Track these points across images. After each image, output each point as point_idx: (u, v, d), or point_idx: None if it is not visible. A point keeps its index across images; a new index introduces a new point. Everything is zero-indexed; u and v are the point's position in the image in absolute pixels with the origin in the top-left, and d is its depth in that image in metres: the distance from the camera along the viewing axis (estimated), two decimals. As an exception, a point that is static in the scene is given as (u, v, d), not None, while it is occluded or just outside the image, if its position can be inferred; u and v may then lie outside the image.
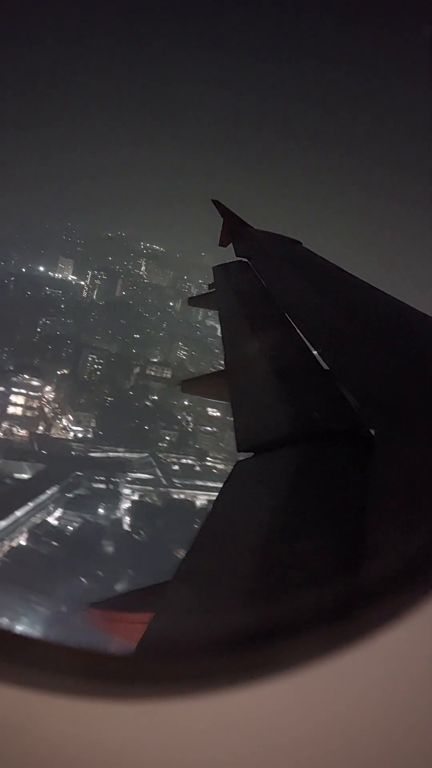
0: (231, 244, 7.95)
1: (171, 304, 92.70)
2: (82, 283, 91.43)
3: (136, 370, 75.67)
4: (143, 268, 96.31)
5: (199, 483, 61.44)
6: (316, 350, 3.62)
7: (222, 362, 4.57)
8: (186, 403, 71.08)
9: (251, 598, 1.65)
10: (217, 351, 79.29)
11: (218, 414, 69.28)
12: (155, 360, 79.27)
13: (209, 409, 70.95)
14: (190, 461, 66.35)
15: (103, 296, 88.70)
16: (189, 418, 71.02)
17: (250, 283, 6.06)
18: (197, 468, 65.82)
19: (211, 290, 6.89)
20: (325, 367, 3.36)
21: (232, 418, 3.28)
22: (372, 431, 2.41)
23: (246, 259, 7.03)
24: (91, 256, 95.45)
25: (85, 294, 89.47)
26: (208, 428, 69.97)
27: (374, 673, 0.93)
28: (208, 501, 58.58)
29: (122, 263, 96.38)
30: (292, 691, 0.90)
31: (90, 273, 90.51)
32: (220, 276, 6.87)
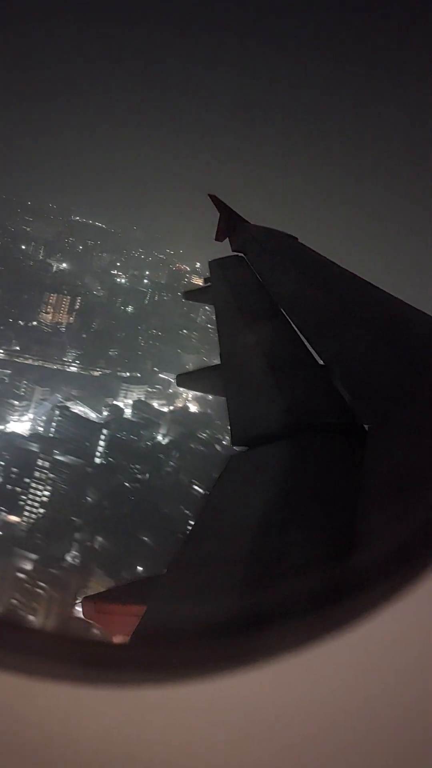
0: (227, 239, 7.99)
1: (23, 247, 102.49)
2: None
3: None
4: (30, 227, 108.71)
5: None
6: (311, 345, 3.63)
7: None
8: None
9: (245, 587, 1.66)
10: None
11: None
12: None
13: None
14: None
15: None
16: None
17: (246, 277, 6.08)
18: None
19: (206, 284, 6.90)
20: (320, 361, 3.37)
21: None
22: (365, 425, 2.42)
23: (242, 254, 7.05)
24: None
25: None
26: None
27: (365, 657, 0.93)
28: None
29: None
30: (287, 676, 0.90)
31: None
32: (215, 270, 6.87)
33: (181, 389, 79.16)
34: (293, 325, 4.09)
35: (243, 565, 1.81)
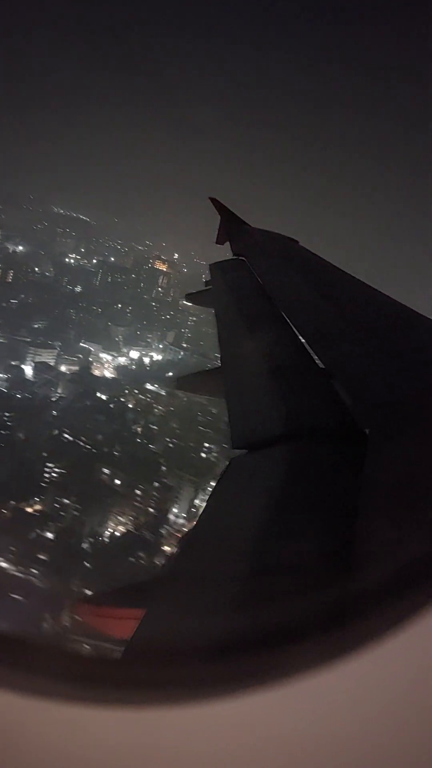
0: (228, 243, 7.92)
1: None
2: None
3: None
4: (2, 216, 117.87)
5: None
6: (311, 348, 3.60)
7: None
8: None
9: (244, 600, 1.62)
10: None
11: None
12: None
13: None
14: None
15: None
16: None
17: (247, 280, 6.06)
18: None
19: (207, 287, 6.83)
20: (321, 365, 3.35)
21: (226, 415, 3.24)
22: (366, 430, 2.39)
23: (242, 257, 7.00)
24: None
25: None
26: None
27: (372, 683, 0.91)
28: None
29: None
30: (290, 700, 0.88)
31: None
32: (216, 273, 6.82)
33: (103, 357, 79.92)
34: (294, 329, 4.07)
35: (241, 576, 1.77)
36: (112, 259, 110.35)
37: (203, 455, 56.96)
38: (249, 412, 3.34)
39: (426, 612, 0.94)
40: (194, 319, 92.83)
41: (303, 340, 3.81)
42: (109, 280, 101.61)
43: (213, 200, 8.86)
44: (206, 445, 57.32)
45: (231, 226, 8.33)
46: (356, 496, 1.83)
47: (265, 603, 1.58)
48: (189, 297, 7.66)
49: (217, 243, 8.26)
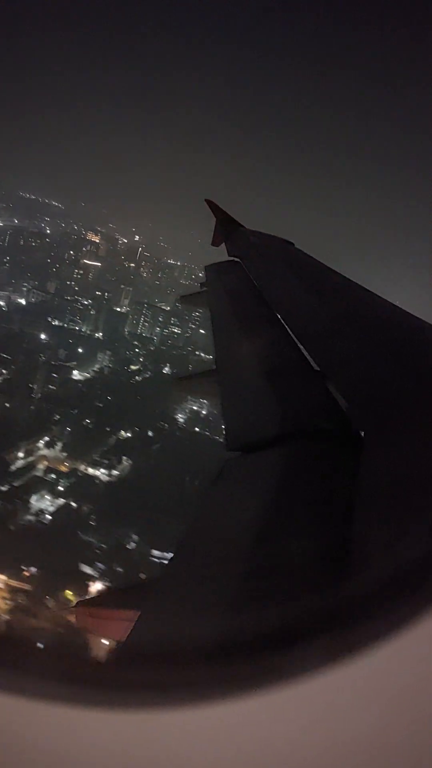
0: (223, 244, 7.89)
1: None
2: None
3: None
4: None
5: None
6: (306, 350, 3.62)
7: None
8: None
9: (240, 602, 1.62)
10: None
11: None
12: None
13: None
14: None
15: None
16: None
17: (242, 282, 6.08)
18: None
19: (202, 289, 6.88)
20: (316, 367, 3.37)
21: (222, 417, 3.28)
22: (361, 432, 2.40)
23: (238, 259, 7.05)
24: None
25: None
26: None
27: (372, 687, 0.89)
28: None
29: None
30: (288, 703, 0.88)
31: None
32: (211, 275, 6.89)
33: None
34: (289, 331, 4.09)
35: (237, 577, 1.77)
36: (48, 230, 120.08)
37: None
38: (244, 414, 3.37)
39: (424, 615, 0.92)
40: (81, 272, 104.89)
41: (298, 342, 3.83)
42: (22, 243, 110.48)
43: (208, 202, 8.85)
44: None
45: (226, 228, 8.32)
46: (352, 498, 1.83)
47: (261, 605, 1.58)
48: (183, 299, 7.74)
49: (212, 245, 8.25)
